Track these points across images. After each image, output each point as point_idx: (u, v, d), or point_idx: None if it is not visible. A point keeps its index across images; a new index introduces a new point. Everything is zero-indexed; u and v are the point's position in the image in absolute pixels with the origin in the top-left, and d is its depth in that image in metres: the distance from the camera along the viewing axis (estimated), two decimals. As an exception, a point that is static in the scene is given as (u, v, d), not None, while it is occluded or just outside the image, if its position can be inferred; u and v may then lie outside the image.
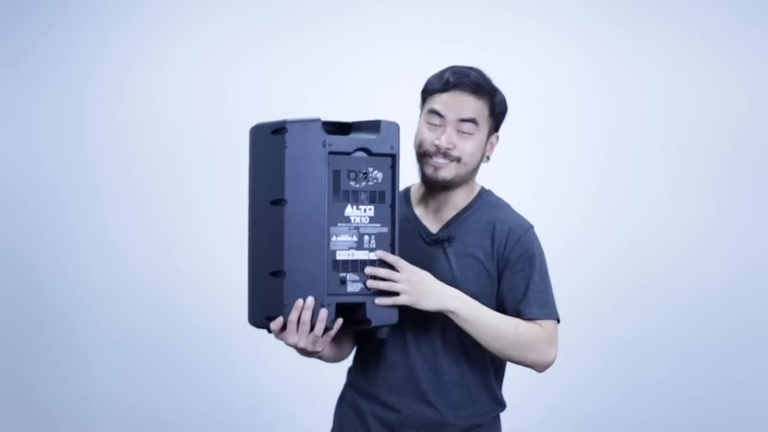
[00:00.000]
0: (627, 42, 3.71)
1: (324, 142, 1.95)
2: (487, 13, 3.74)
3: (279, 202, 1.95)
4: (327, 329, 1.96)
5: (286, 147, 1.94)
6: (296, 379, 3.73)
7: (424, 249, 2.14)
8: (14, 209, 3.97)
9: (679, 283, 3.67)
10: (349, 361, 2.26)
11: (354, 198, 1.99)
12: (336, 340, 2.07)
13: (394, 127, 2.01)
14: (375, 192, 2.00)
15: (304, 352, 2.01)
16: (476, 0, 3.76)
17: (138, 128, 3.91)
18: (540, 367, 2.12)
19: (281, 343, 2.17)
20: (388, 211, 2.02)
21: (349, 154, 1.98)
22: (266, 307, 2.00)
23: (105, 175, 3.92)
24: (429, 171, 2.10)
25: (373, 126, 2.02)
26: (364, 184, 2.00)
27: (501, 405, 2.22)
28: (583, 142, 3.73)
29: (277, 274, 1.95)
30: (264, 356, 3.73)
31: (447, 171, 2.09)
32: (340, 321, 1.97)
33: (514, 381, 2.27)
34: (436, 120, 2.10)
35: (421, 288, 2.00)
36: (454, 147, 2.08)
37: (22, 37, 3.95)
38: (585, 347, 3.61)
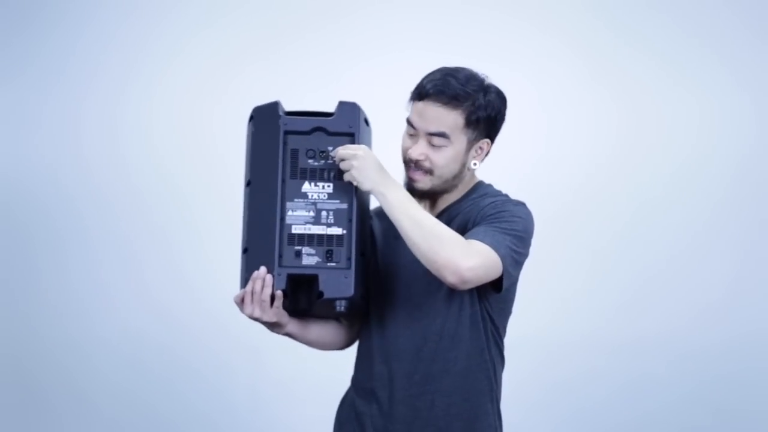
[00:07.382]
0: (625, 44, 3.72)
1: (279, 120, 2.03)
2: (487, 16, 3.75)
3: (248, 184, 2.04)
4: (274, 299, 1.99)
5: (252, 132, 2.05)
6: (297, 379, 3.73)
7: None
8: (15, 210, 3.96)
9: (678, 282, 3.67)
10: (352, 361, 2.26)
11: (312, 175, 2.03)
12: (316, 319, 2.13)
13: (352, 107, 2.06)
14: (334, 170, 2.03)
15: (268, 326, 2.05)
16: (478, 3, 3.77)
17: (140, 130, 3.90)
18: (449, 272, 1.93)
19: (281, 344, 2.18)
20: (348, 188, 2.04)
21: (307, 133, 2.04)
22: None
23: (106, 177, 3.91)
24: (407, 181, 2.11)
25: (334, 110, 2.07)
26: (323, 162, 2.03)
27: (498, 393, 2.15)
28: (583, 146, 3.73)
29: (245, 252, 2.02)
30: (264, 357, 3.73)
31: (422, 183, 2.10)
32: (280, 294, 1.99)
33: (511, 376, 2.25)
34: (411, 130, 2.10)
35: (365, 166, 1.99)
36: (426, 158, 2.07)
37: (23, 38, 3.95)
38: (583, 345, 3.62)
